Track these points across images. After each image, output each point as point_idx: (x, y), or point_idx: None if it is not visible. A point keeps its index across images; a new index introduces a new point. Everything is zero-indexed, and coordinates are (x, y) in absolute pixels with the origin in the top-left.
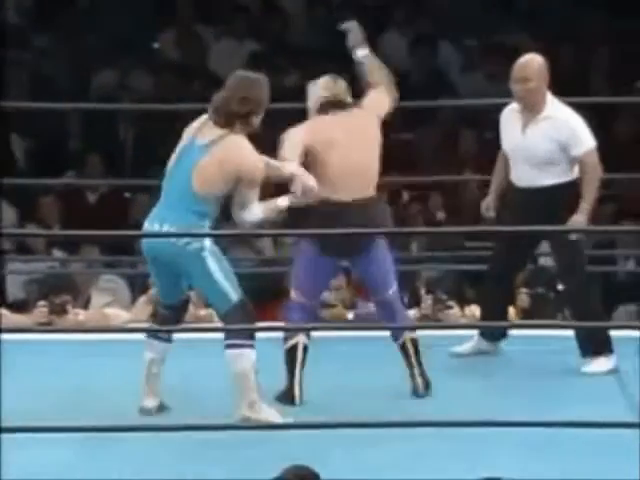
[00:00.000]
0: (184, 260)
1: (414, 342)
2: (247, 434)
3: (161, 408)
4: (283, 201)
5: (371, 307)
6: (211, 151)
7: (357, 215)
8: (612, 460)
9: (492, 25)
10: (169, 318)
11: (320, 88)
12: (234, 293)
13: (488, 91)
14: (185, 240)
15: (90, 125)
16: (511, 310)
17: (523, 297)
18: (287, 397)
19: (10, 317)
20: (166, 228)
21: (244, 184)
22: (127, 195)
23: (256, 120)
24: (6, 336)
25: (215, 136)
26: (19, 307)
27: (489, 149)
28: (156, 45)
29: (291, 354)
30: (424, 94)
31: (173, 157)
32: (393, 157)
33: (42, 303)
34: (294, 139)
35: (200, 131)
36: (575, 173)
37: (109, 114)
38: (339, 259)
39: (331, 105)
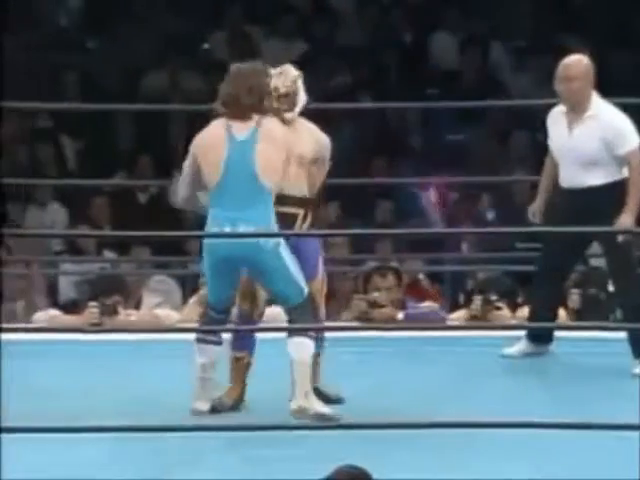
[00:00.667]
0: (263, 258)
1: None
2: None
3: (213, 411)
4: None
5: (422, 307)
6: (259, 140)
7: None
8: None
9: (544, 26)
10: (220, 322)
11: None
12: (305, 286)
13: (539, 92)
14: (260, 240)
15: (141, 126)
16: (562, 311)
17: (574, 298)
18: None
19: (61, 318)
20: (243, 228)
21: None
22: None
23: (268, 104)
24: (57, 336)
25: (251, 127)
26: (70, 308)
27: (540, 150)
28: (206, 46)
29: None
30: (475, 94)
31: (218, 159)
32: (444, 157)
33: (93, 304)
34: None
35: (232, 127)
36: (623, 173)
37: (160, 115)
38: None
39: None
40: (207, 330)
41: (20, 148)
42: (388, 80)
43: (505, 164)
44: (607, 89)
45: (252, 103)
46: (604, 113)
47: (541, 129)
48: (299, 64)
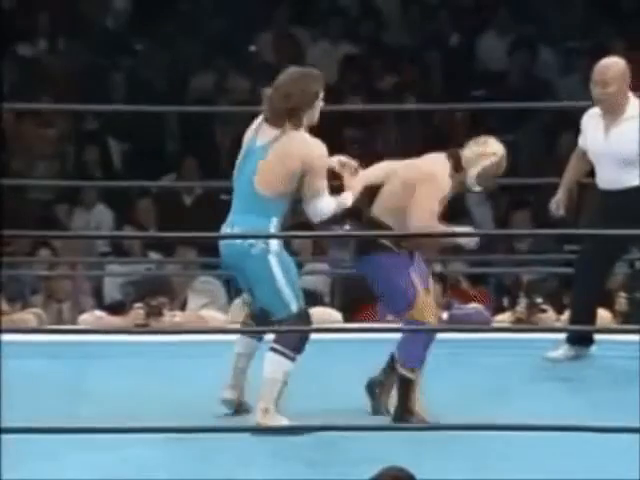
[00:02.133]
0: (249, 263)
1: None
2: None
3: (241, 405)
4: (347, 198)
5: (468, 308)
6: (271, 150)
7: None
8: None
9: (592, 28)
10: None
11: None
12: (295, 303)
13: (586, 93)
14: (249, 242)
15: (187, 128)
16: (608, 314)
17: (621, 301)
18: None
19: (107, 319)
20: (236, 232)
21: (312, 175)
22: (223, 197)
23: (308, 114)
24: (104, 337)
25: (272, 136)
26: (116, 309)
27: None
28: (253, 48)
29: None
30: (523, 96)
31: (238, 160)
32: None
33: (139, 305)
34: None
35: (258, 132)
36: None
37: (206, 117)
38: None
39: None
40: (249, 331)
41: (67, 150)
42: (434, 81)
43: (553, 165)
44: None
45: (284, 107)
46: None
47: None
48: (345, 66)
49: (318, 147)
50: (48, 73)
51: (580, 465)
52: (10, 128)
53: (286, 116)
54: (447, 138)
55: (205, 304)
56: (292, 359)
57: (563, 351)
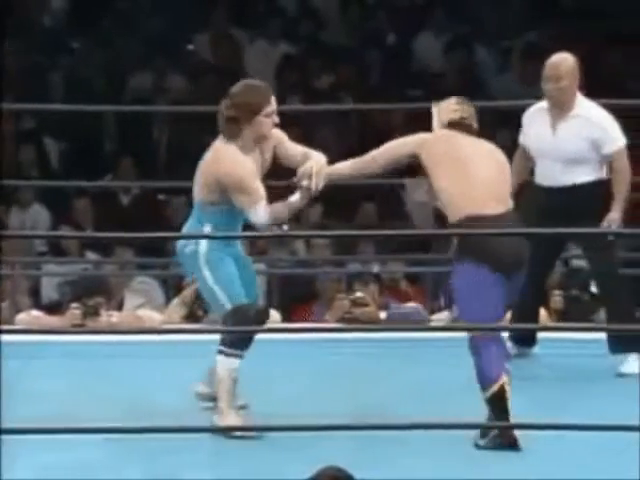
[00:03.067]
0: (185, 262)
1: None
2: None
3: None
4: (295, 200)
5: (405, 308)
6: (203, 160)
7: (510, 227)
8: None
9: (526, 27)
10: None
11: (449, 108)
12: (228, 303)
13: (522, 92)
14: (182, 243)
15: (125, 127)
16: (543, 312)
17: (557, 299)
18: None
19: (44, 319)
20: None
21: (230, 191)
22: (160, 197)
23: (251, 128)
24: (40, 337)
25: (212, 145)
26: (53, 309)
27: None
28: (191, 47)
29: (499, 397)
30: (458, 95)
31: None
32: None
33: (75, 305)
34: (405, 141)
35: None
36: (605, 172)
37: (144, 116)
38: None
39: (458, 125)
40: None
41: (3, 149)
42: (371, 81)
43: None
44: (596, 88)
45: (227, 115)
46: (590, 112)
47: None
48: (283, 66)
49: (225, 164)
50: None
51: (580, 465)
52: None
53: (227, 124)
54: (385, 138)
55: (142, 304)
56: (233, 355)
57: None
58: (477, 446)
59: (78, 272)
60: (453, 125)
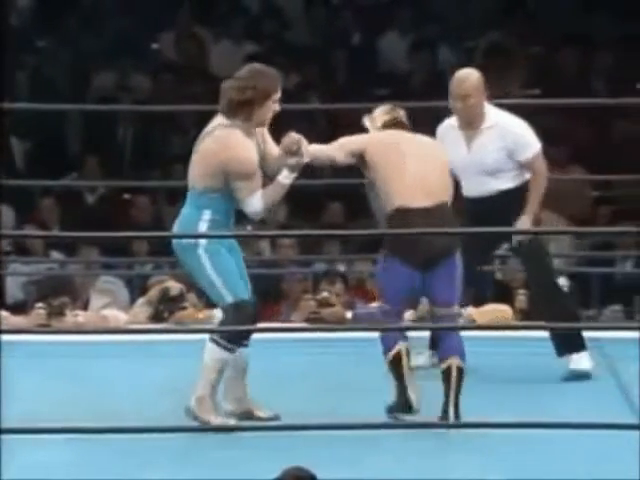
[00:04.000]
0: (182, 255)
1: (460, 370)
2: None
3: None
4: (284, 177)
5: (371, 307)
6: (201, 145)
7: (438, 222)
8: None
9: (491, 27)
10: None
11: (381, 113)
12: (229, 295)
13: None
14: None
15: (89, 126)
16: (509, 310)
17: (521, 298)
18: (403, 405)
19: (9, 319)
20: (176, 224)
21: (233, 177)
22: (126, 196)
23: (260, 111)
24: (5, 337)
25: (210, 128)
26: (18, 309)
27: None
28: (155, 46)
29: (395, 363)
30: (425, 95)
31: None
32: None
33: (40, 305)
34: (354, 138)
35: (209, 124)
36: (527, 175)
37: (108, 115)
38: (417, 270)
39: (393, 125)
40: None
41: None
42: (337, 80)
43: None
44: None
45: (238, 99)
46: (502, 122)
47: None
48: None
49: (236, 150)
50: None
51: (579, 465)
52: None
53: (239, 108)
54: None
55: (107, 304)
56: (226, 349)
57: (425, 358)
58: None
59: (43, 272)
60: (389, 126)
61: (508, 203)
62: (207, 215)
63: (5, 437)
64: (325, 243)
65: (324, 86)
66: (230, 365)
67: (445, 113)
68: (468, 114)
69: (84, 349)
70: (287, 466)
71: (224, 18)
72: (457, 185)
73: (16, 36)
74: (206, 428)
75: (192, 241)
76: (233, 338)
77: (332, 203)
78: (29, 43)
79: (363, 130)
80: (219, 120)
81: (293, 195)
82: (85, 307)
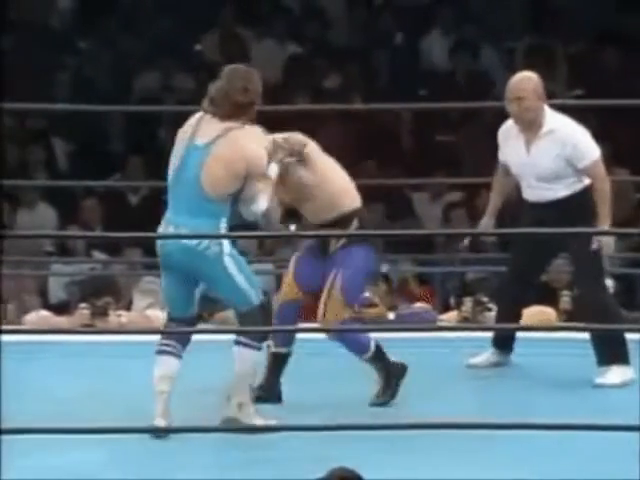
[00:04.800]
0: (205, 265)
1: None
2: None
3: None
4: (271, 169)
5: (414, 308)
6: (215, 149)
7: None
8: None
9: (532, 27)
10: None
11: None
12: (255, 295)
13: None
14: (204, 244)
15: (132, 127)
16: (553, 312)
17: (565, 299)
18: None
19: (52, 319)
20: (184, 233)
21: (254, 176)
22: None
23: (254, 111)
24: (48, 337)
25: (217, 132)
26: (61, 309)
27: None
28: (198, 47)
29: (378, 353)
30: (467, 96)
31: (174, 160)
32: (435, 159)
33: (84, 305)
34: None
35: (199, 129)
36: (586, 182)
37: (151, 116)
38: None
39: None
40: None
41: (11, 149)
42: (379, 81)
43: (495, 164)
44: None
45: (243, 102)
46: (560, 128)
47: None
48: (290, 66)
49: (259, 149)
50: None
51: (579, 465)
52: None
53: (242, 110)
54: (392, 138)
55: (150, 304)
56: (258, 349)
57: (484, 357)
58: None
59: (86, 272)
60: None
61: (567, 210)
62: (223, 223)
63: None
64: None
65: (365, 87)
66: (168, 379)
67: (486, 113)
68: (523, 117)
69: (127, 349)
70: (333, 466)
71: (266, 19)
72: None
73: (57, 37)
74: (247, 428)
75: (217, 250)
76: (262, 336)
77: (374, 204)
78: (70, 44)
79: (402, 130)
80: (222, 123)
81: None
82: (128, 307)
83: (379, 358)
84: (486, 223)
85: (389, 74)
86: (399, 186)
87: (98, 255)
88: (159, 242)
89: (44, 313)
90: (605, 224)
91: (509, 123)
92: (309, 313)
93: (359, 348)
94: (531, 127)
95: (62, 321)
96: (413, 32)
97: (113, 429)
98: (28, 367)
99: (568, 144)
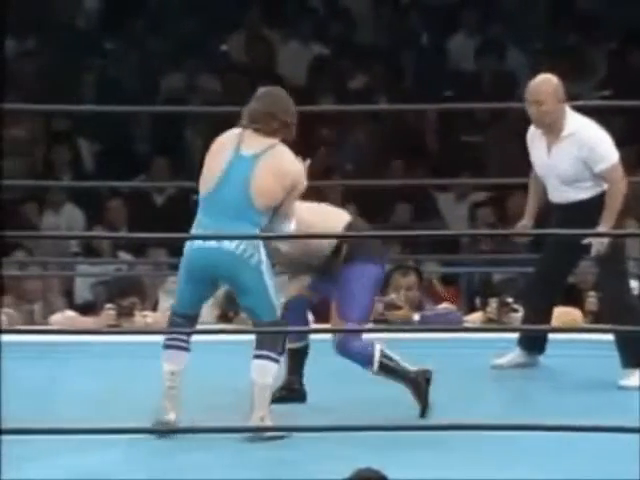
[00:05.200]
0: (244, 273)
1: None
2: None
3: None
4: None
5: (439, 309)
6: (265, 161)
7: None
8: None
9: (560, 28)
10: (183, 327)
11: None
12: (278, 308)
13: None
14: (248, 254)
15: (158, 128)
16: (578, 314)
17: (591, 300)
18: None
19: (78, 319)
20: (227, 242)
21: (294, 194)
22: (194, 197)
23: (289, 135)
24: (74, 338)
25: (263, 146)
26: (87, 309)
27: None
28: (224, 47)
29: (386, 362)
30: (492, 96)
31: (215, 168)
32: (461, 159)
33: (110, 305)
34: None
35: (243, 141)
36: (605, 186)
37: (177, 116)
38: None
39: None
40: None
41: (37, 150)
42: (405, 81)
43: (522, 165)
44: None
45: (285, 121)
46: (580, 131)
47: None
48: (316, 66)
49: (301, 168)
50: (17, 73)
51: (580, 465)
52: None
53: (284, 129)
54: (418, 138)
55: None
56: (277, 361)
57: (509, 357)
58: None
59: (112, 272)
60: None
61: (586, 213)
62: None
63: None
64: (394, 244)
65: (391, 87)
66: (177, 375)
67: (512, 114)
68: (542, 120)
69: (154, 350)
70: (359, 467)
71: (292, 19)
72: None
73: (83, 38)
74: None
75: (257, 258)
76: (282, 349)
77: (400, 204)
78: (96, 45)
79: (428, 131)
80: (265, 138)
81: (361, 196)
82: (154, 308)
83: (389, 370)
84: (524, 225)
85: (415, 74)
86: (425, 187)
87: (124, 256)
88: (193, 245)
89: (70, 313)
90: (606, 227)
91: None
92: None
93: (364, 361)
94: (552, 130)
95: (88, 321)
96: (439, 32)
97: (123, 429)
98: (54, 368)
99: (585, 147)
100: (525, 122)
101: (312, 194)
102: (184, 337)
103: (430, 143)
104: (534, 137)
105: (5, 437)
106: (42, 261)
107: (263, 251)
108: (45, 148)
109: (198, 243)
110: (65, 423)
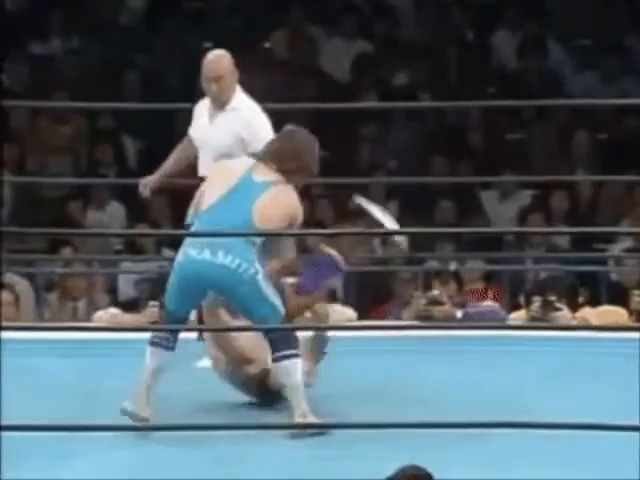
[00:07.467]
0: (239, 287)
1: None
2: None
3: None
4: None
5: (482, 306)
6: (273, 190)
7: None
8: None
9: (605, 25)
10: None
11: None
12: (282, 310)
13: (601, 91)
14: (243, 268)
15: None
16: (624, 312)
17: (637, 299)
18: None
19: (122, 316)
20: (222, 256)
21: (290, 226)
22: None
23: (302, 178)
24: (119, 335)
25: (275, 177)
26: (131, 306)
27: (602, 149)
28: (267, 44)
29: None
30: (535, 93)
31: (217, 186)
32: (504, 157)
33: (153, 302)
34: None
35: (255, 168)
36: None
37: None
38: None
39: None
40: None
41: (82, 147)
42: (448, 79)
43: (566, 163)
44: None
45: (307, 163)
46: (244, 109)
47: (603, 128)
48: (359, 63)
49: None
50: (62, 71)
51: (581, 465)
52: (25, 126)
53: (306, 171)
54: (462, 136)
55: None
56: (298, 355)
57: None
58: None
59: (155, 270)
60: None
61: None
62: (255, 254)
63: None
64: (437, 242)
65: (435, 84)
66: (159, 373)
67: (555, 111)
68: (220, 96)
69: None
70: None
71: (335, 16)
72: None
73: (128, 36)
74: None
75: (253, 271)
76: (296, 342)
77: (444, 201)
78: (140, 43)
79: (471, 128)
80: (276, 173)
81: (404, 193)
82: None
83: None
84: (149, 180)
85: (459, 71)
86: (469, 184)
87: (167, 252)
88: (188, 256)
89: (114, 311)
90: None
91: (204, 100)
92: None
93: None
94: (221, 104)
95: (132, 318)
96: (484, 29)
97: (121, 427)
98: (97, 365)
99: (246, 126)
100: (569, 120)
101: (357, 191)
102: (171, 337)
103: (474, 141)
104: (201, 107)
105: (52, 434)
106: (86, 259)
107: (257, 264)
108: (90, 146)
109: (192, 254)
110: (105, 421)
